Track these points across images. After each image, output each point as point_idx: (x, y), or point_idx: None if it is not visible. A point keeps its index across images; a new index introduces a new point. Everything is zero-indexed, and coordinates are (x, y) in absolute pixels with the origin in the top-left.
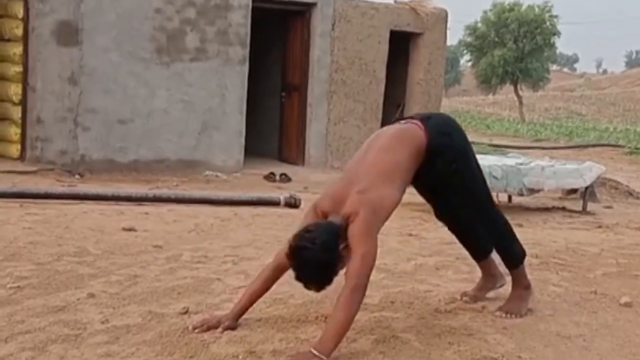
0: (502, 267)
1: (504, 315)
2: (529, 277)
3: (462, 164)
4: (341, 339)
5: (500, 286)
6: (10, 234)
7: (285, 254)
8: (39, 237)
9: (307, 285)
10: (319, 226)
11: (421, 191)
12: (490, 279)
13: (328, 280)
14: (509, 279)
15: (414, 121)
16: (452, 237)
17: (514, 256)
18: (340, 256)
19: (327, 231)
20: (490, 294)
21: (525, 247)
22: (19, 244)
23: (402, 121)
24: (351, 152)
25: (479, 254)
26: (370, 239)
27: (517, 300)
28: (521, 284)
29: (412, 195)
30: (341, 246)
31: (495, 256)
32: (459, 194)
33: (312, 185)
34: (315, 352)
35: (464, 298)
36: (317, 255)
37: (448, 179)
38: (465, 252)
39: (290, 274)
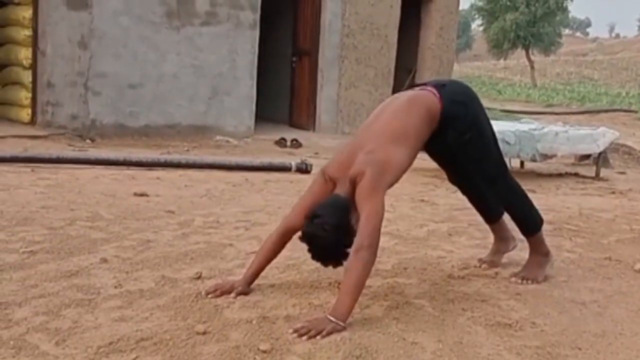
0: (515, 233)
1: (519, 281)
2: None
3: (476, 133)
4: (354, 303)
5: (513, 248)
6: (23, 199)
7: (299, 239)
8: (51, 202)
9: (325, 265)
10: (327, 207)
11: (434, 157)
12: (503, 242)
13: (344, 255)
14: (522, 242)
15: (429, 88)
16: (465, 204)
17: (530, 223)
18: (353, 229)
19: (335, 211)
20: (505, 260)
21: None
22: (31, 208)
23: (417, 87)
24: (362, 117)
25: (491, 217)
26: (375, 197)
27: (534, 266)
28: (539, 251)
29: (423, 161)
30: (352, 220)
31: (507, 220)
32: (472, 163)
33: (323, 151)
34: (332, 318)
35: (483, 265)
36: (330, 239)
37: (461, 147)
38: (478, 218)
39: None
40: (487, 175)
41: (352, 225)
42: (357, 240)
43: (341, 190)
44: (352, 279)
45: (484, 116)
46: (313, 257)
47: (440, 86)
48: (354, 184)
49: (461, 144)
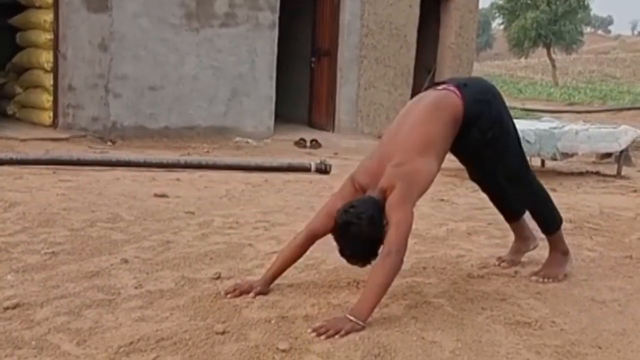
0: (536, 232)
1: (540, 280)
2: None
3: (499, 131)
4: (376, 304)
5: (534, 248)
6: (44, 200)
7: (330, 230)
8: (72, 204)
9: (352, 261)
10: (362, 201)
11: (456, 155)
12: (523, 241)
13: (373, 255)
14: (542, 241)
15: (451, 88)
16: (484, 203)
17: (550, 221)
18: (383, 231)
19: (371, 206)
20: (524, 259)
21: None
22: (53, 210)
23: (438, 87)
24: (381, 117)
25: (512, 215)
26: (405, 207)
27: (554, 265)
28: (559, 249)
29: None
30: (383, 222)
31: (528, 219)
32: (494, 160)
33: (342, 151)
34: (351, 317)
35: (502, 264)
36: (364, 230)
37: (483, 146)
38: (497, 217)
39: (324, 240)
40: (508, 173)
41: (383, 226)
42: (386, 245)
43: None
44: (378, 280)
45: (507, 113)
46: (342, 250)
47: (462, 85)
48: (384, 195)
49: (484, 143)
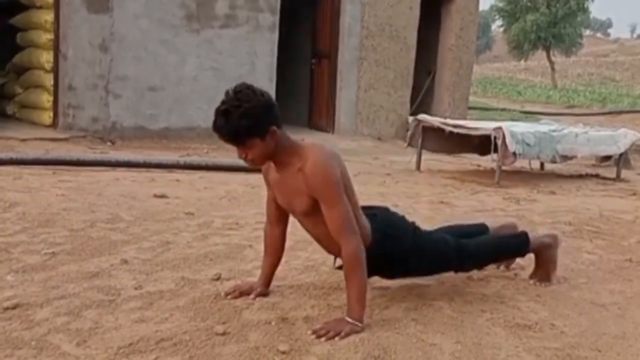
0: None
1: (537, 283)
2: (563, 244)
3: (417, 258)
4: (364, 300)
5: None
6: (44, 201)
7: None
8: (72, 204)
9: (217, 122)
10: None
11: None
12: None
13: (240, 132)
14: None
15: None
16: (484, 205)
17: (517, 253)
18: (264, 132)
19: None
20: (524, 262)
21: (558, 214)
22: (52, 210)
23: None
24: (381, 119)
25: None
26: (340, 198)
27: (543, 265)
28: (542, 249)
29: (442, 162)
30: (271, 128)
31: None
32: (430, 270)
33: (342, 153)
34: (349, 319)
35: (501, 266)
36: (257, 102)
37: (412, 268)
38: (497, 220)
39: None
40: (450, 265)
41: (267, 128)
42: (342, 242)
43: None
44: (354, 280)
45: (418, 236)
46: (221, 106)
47: (371, 215)
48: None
49: (410, 267)
